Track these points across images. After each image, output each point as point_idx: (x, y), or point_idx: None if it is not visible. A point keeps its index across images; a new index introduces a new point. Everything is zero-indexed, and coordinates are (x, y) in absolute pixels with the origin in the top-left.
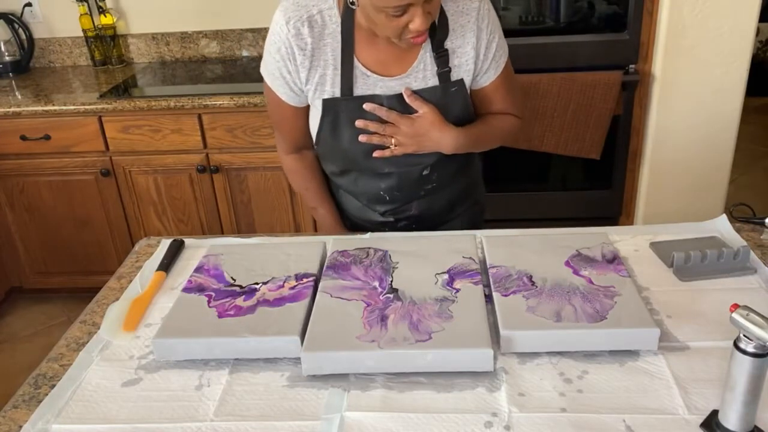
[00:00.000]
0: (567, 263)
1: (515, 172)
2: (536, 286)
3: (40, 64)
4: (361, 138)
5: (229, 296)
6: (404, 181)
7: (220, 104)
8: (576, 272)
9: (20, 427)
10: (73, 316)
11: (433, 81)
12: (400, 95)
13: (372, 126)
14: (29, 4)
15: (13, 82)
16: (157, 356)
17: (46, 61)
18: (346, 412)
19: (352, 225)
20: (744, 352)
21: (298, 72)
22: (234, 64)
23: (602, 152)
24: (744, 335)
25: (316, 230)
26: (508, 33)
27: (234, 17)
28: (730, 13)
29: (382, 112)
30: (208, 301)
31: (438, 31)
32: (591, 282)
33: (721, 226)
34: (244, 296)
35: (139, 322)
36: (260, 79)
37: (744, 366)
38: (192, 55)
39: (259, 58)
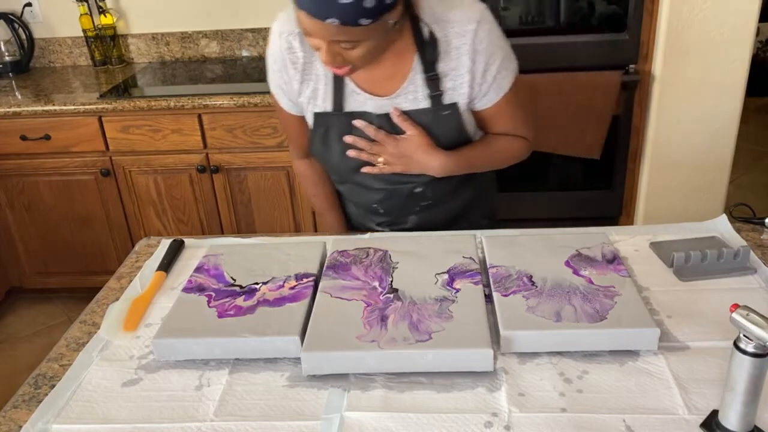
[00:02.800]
0: (567, 263)
1: (515, 173)
2: (536, 286)
3: (40, 64)
4: (350, 153)
5: (229, 296)
6: (396, 198)
7: (220, 104)
8: (576, 272)
9: (20, 427)
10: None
11: (424, 103)
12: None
13: (360, 143)
14: (29, 4)
15: (13, 82)
16: (157, 356)
17: (46, 61)
18: (346, 412)
19: (356, 230)
20: (744, 352)
21: (291, 84)
22: (234, 64)
23: (602, 152)
24: (744, 335)
25: (316, 230)
26: (508, 33)
27: (234, 17)
28: (730, 13)
29: (370, 130)
30: (208, 301)
31: (427, 54)
32: (591, 282)
33: (721, 226)
34: (244, 296)
35: (139, 322)
36: (260, 79)
37: (744, 366)
38: (192, 55)
39: (259, 58)
